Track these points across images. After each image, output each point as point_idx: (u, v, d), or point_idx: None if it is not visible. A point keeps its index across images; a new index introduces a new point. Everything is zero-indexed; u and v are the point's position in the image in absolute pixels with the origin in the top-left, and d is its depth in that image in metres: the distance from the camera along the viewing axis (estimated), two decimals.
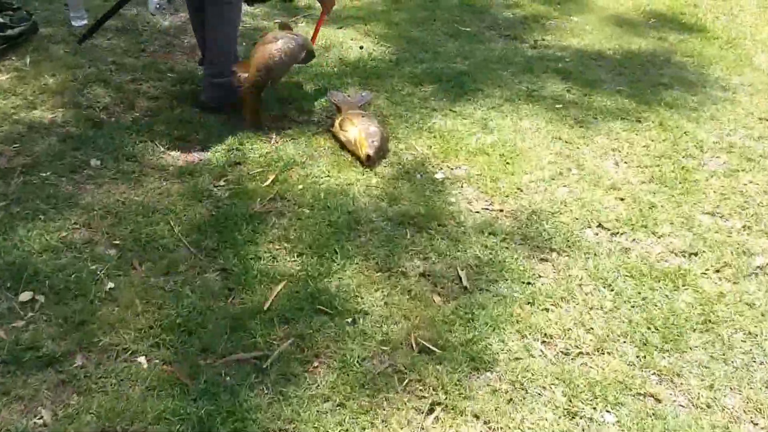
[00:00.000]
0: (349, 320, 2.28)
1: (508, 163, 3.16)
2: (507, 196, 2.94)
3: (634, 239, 2.76)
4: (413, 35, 4.48)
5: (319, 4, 3.70)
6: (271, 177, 2.93)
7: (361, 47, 4.20)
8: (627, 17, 5.12)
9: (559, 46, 4.50)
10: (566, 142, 3.37)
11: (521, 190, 2.98)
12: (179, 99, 3.48)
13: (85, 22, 4.20)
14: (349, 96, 3.60)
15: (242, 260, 2.48)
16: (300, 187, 2.89)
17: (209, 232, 2.60)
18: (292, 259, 2.52)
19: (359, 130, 3.10)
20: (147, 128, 3.21)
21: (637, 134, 3.49)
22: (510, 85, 3.89)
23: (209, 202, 2.77)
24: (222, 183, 2.90)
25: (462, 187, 2.98)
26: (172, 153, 3.08)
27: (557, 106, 3.71)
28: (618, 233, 2.78)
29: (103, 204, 2.70)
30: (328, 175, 2.98)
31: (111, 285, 2.33)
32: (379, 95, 3.68)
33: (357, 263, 2.51)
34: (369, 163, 3.03)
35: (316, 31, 3.73)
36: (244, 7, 4.57)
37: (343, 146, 3.17)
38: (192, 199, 2.78)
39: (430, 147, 3.25)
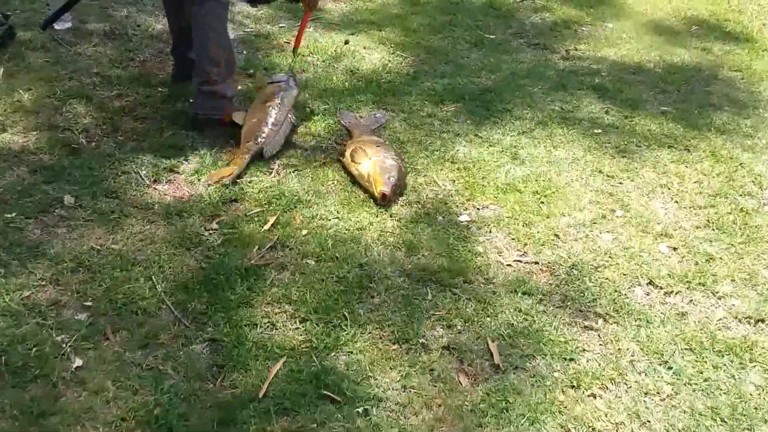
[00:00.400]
0: (360, 410, 1.94)
1: (542, 202, 2.80)
2: (542, 245, 2.58)
3: (691, 300, 2.41)
4: (432, 44, 4.11)
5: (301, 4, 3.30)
6: (272, 219, 2.59)
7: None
8: (666, 24, 4.73)
9: (593, 58, 4.13)
10: (608, 176, 3.01)
11: (558, 237, 2.63)
12: (170, 119, 3.14)
13: (69, 24, 3.86)
14: (361, 117, 3.25)
15: (235, 328, 2.14)
16: (304, 232, 2.55)
17: (197, 291, 2.26)
18: (294, 327, 2.17)
19: (373, 164, 2.74)
20: (131, 156, 2.87)
21: (687, 166, 3.12)
22: (541, 105, 3.52)
23: (199, 251, 2.43)
24: (215, 226, 2.55)
25: (490, 232, 2.63)
26: (159, 187, 2.74)
27: (595, 130, 3.34)
28: (672, 292, 2.43)
29: (75, 254, 2.36)
30: (337, 217, 2.64)
31: (79, 362, 1.99)
32: (395, 116, 3.32)
33: (370, 332, 2.17)
34: (384, 202, 2.69)
35: (300, 33, 3.35)
36: (248, 9, 4.22)
37: (354, 180, 2.82)
38: (179, 246, 2.44)
39: (454, 181, 2.89)
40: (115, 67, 3.52)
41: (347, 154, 2.87)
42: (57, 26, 3.81)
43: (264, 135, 2.92)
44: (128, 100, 3.26)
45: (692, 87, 3.88)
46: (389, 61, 3.84)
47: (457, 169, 2.96)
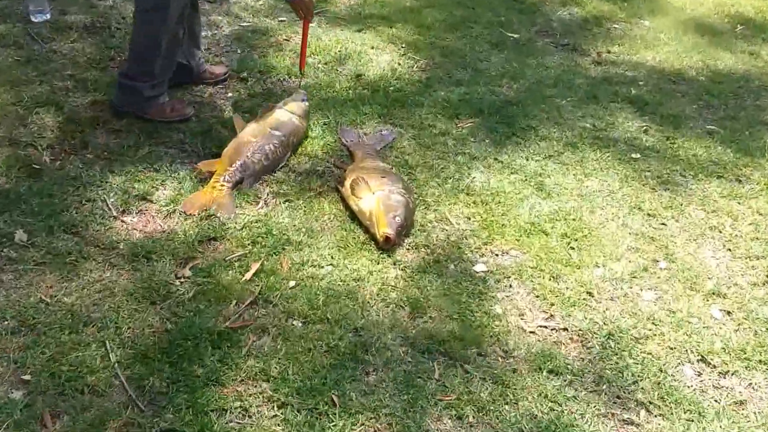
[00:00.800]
0: None
1: (572, 247, 2.40)
2: (572, 305, 2.18)
3: (750, 384, 2.01)
4: (448, 44, 3.67)
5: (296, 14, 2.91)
6: (254, 267, 2.20)
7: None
8: (709, 22, 4.26)
9: (629, 63, 3.68)
10: (648, 214, 2.59)
11: (592, 295, 2.23)
12: (148, 134, 2.75)
13: (47, 17, 3.46)
14: (365, 135, 2.84)
15: (199, 414, 1.77)
16: (291, 283, 2.16)
17: (158, 363, 1.89)
18: (271, 414, 1.80)
19: (377, 200, 2.35)
20: (100, 179, 2.49)
21: (739, 202, 2.70)
22: (571, 122, 3.10)
23: (166, 306, 2.05)
24: (188, 272, 2.17)
25: (511, 287, 2.23)
26: (128, 219, 2.36)
27: (633, 155, 2.92)
28: (728, 372, 2.03)
29: (19, 309, 2.00)
30: (332, 264, 2.25)
31: None
32: (404, 133, 2.91)
33: (362, 423, 1.79)
34: (387, 246, 2.29)
35: (303, 49, 2.96)
36: (246, 1, 3.80)
37: (354, 215, 2.43)
38: (143, 299, 2.06)
39: (469, 218, 2.49)
40: (92, 68, 3.13)
41: (347, 184, 2.48)
42: (34, 18, 3.42)
43: (250, 168, 2.54)
44: (103, 109, 2.87)
45: (741, 100, 3.44)
46: (399, 64, 3.42)
47: (473, 202, 2.56)
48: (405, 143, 2.86)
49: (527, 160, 2.82)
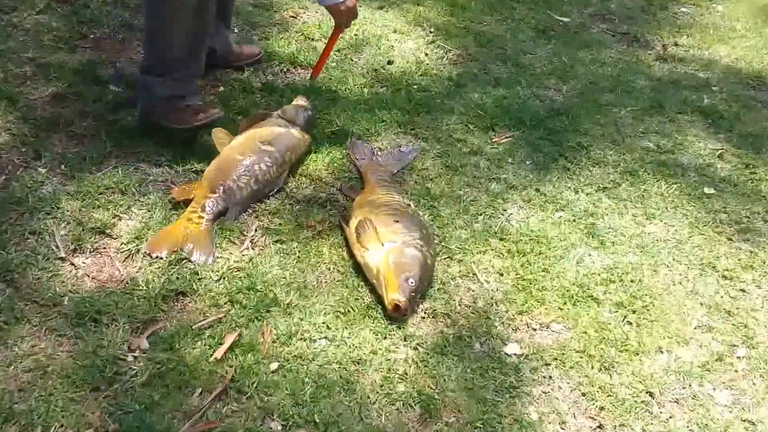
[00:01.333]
0: None
1: (629, 322, 1.94)
2: (628, 411, 1.74)
3: None
4: (485, 29, 3.15)
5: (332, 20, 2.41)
6: (229, 339, 1.77)
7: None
8: None
9: (700, 60, 3.15)
10: (724, 276, 2.12)
11: (652, 396, 1.78)
12: (116, 140, 2.30)
13: None
14: (380, 151, 2.37)
15: None
16: (274, 366, 1.73)
17: None
18: None
19: (387, 255, 1.89)
20: (50, 204, 2.06)
21: None
22: (630, 140, 2.60)
23: (112, 394, 1.64)
24: (144, 344, 1.75)
25: (551, 379, 1.79)
26: (79, 261, 1.93)
27: (706, 189, 2.43)
28: None
29: None
30: (326, 335, 1.81)
31: None
32: (428, 149, 2.44)
33: None
34: (397, 314, 1.84)
35: (323, 58, 2.49)
36: None
37: (359, 265, 1.98)
38: (84, 384, 1.65)
39: (501, 275, 2.03)
40: (58, 49, 2.66)
41: (352, 224, 2.01)
42: None
43: (235, 195, 2.09)
44: (66, 104, 2.41)
45: None
46: (426, 54, 2.91)
47: (508, 251, 2.09)
48: (428, 163, 2.39)
49: (576, 192, 2.33)
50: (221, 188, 2.09)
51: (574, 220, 2.23)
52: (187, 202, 2.08)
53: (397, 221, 1.99)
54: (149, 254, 1.95)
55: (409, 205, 2.14)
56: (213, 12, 2.22)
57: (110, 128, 2.33)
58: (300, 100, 2.39)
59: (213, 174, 2.14)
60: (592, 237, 2.18)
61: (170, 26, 2.16)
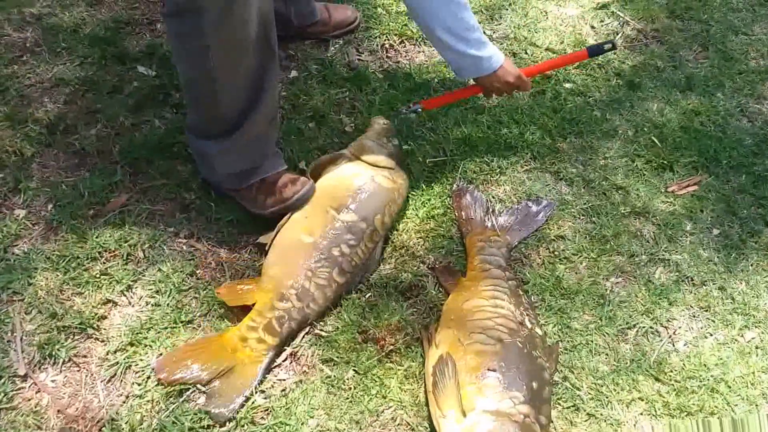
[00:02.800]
0: None
1: None
2: None
3: None
4: None
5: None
6: None
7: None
8: None
9: None
10: None
11: None
12: (135, 159, 1.70)
13: None
14: (498, 210, 1.65)
15: None
16: None
17: None
18: None
19: (471, 428, 1.23)
20: (19, 278, 1.52)
21: None
22: None
23: None
24: None
25: None
26: (44, 379, 1.40)
27: None
28: None
29: None
30: None
31: None
32: (571, 198, 1.70)
33: None
34: None
35: (449, 99, 1.71)
36: None
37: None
38: None
39: None
40: (55, 13, 2.02)
41: (431, 357, 1.36)
42: None
43: (317, 298, 1.46)
44: (72, 97, 1.82)
45: None
46: (593, 27, 2.07)
47: (665, 405, 1.37)
48: (566, 228, 1.66)
49: None
50: (293, 293, 1.45)
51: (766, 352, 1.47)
52: (243, 309, 1.47)
53: (493, 370, 1.30)
54: (158, 377, 1.38)
55: (523, 321, 1.42)
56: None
57: (126, 141, 1.73)
58: (380, 122, 1.67)
59: (277, 269, 1.48)
60: None
61: (209, 68, 1.41)
